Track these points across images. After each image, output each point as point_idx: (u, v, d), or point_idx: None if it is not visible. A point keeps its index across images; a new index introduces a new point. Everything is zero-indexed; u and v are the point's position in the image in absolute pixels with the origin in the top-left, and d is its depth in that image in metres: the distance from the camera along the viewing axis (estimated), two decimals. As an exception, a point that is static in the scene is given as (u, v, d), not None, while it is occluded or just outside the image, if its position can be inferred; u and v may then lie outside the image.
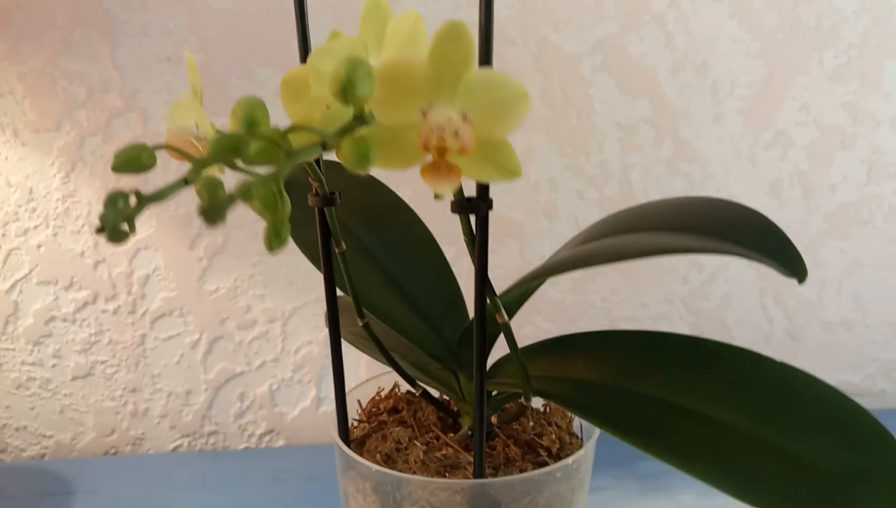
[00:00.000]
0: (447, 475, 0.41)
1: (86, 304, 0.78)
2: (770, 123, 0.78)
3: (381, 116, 0.27)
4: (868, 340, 0.86)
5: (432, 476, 0.41)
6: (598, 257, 0.32)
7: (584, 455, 0.42)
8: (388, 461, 0.43)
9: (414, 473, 0.41)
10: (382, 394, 0.51)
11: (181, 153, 0.31)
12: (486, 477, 0.39)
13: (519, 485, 0.39)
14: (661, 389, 0.37)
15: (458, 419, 0.47)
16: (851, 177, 0.80)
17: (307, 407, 0.83)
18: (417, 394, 0.47)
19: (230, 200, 0.23)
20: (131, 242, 0.77)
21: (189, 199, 0.76)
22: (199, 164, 0.25)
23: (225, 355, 0.81)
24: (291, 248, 0.46)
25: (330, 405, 0.84)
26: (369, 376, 0.51)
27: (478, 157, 0.28)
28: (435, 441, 0.44)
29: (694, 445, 0.34)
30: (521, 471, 0.41)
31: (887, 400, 0.87)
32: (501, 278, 0.86)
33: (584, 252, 0.34)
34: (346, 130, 0.26)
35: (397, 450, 0.44)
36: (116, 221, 0.24)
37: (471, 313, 0.42)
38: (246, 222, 0.78)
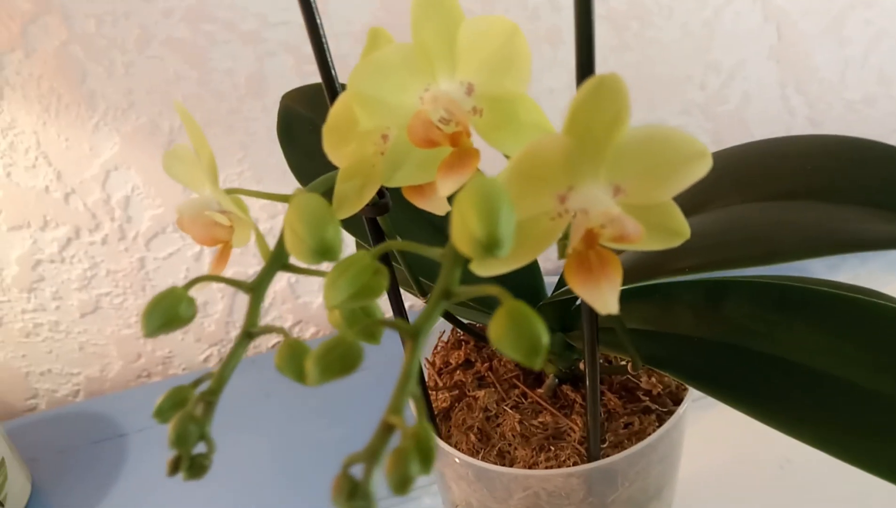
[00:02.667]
0: (553, 448, 0.38)
1: (69, 240, 0.70)
2: None
3: (506, 215, 0.19)
4: (891, 112, 0.82)
5: (534, 451, 0.38)
6: (754, 252, 0.26)
7: (690, 395, 0.39)
8: (482, 437, 0.40)
9: (515, 448, 0.39)
10: (444, 339, 0.47)
11: (208, 236, 0.23)
12: (600, 453, 0.36)
13: (635, 454, 0.36)
14: (789, 349, 0.33)
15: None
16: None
17: (331, 292, 0.80)
18: (491, 347, 0.43)
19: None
20: (97, 164, 0.67)
21: (150, 104, 0.65)
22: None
23: (233, 259, 0.75)
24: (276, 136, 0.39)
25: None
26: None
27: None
28: (523, 400, 0.41)
29: (840, 419, 0.30)
30: (627, 426, 0.39)
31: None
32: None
33: (726, 245, 0.27)
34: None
35: (487, 419, 0.41)
36: (191, 448, 0.18)
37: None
38: (219, 116, 0.68)
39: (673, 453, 0.40)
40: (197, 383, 0.20)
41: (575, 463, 0.37)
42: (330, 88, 0.27)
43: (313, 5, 0.26)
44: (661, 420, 0.39)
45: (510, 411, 0.40)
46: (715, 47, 0.74)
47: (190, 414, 0.18)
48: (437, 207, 0.25)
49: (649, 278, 0.29)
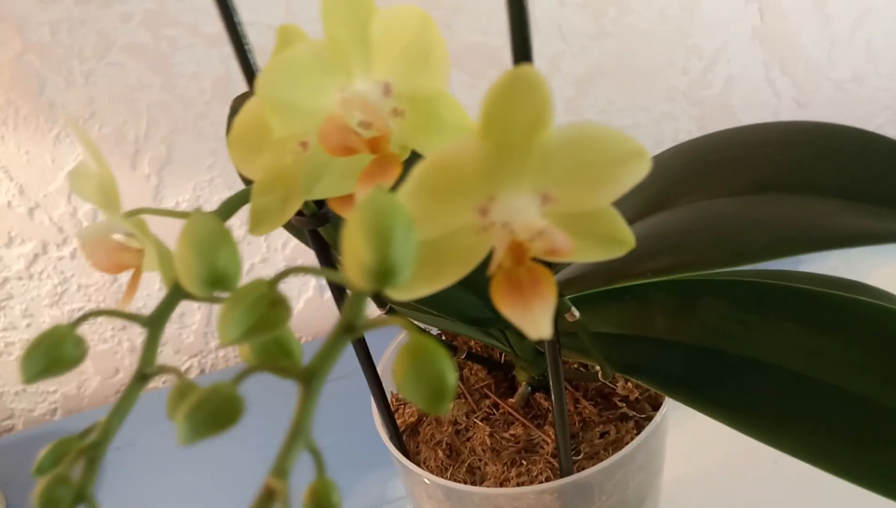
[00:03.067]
0: (524, 463, 0.36)
1: (36, 256, 0.68)
2: None
3: (420, 233, 0.17)
4: (880, 89, 0.79)
5: (506, 466, 0.36)
6: (720, 254, 0.24)
7: (668, 400, 0.37)
8: (452, 453, 0.38)
9: (485, 464, 0.37)
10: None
11: (114, 263, 0.21)
12: (573, 468, 0.34)
13: (612, 466, 0.34)
14: (768, 351, 0.31)
15: (511, 371, 0.41)
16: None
17: (311, 297, 0.78)
18: (460, 358, 0.41)
19: None
20: (61, 177, 0.65)
21: (113, 113, 0.63)
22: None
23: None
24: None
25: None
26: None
27: (575, 238, 0.18)
28: (495, 411, 0.39)
29: (830, 428, 0.28)
30: (603, 435, 0.37)
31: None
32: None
33: (690, 246, 0.25)
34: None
35: (457, 432, 0.39)
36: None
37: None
38: (187, 123, 0.66)
39: (653, 461, 0.38)
40: (87, 432, 0.18)
41: (548, 478, 0.35)
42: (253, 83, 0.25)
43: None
44: (639, 427, 0.37)
45: (480, 423, 0.38)
46: (696, 31, 0.71)
47: (61, 476, 0.16)
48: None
49: (608, 284, 0.27)
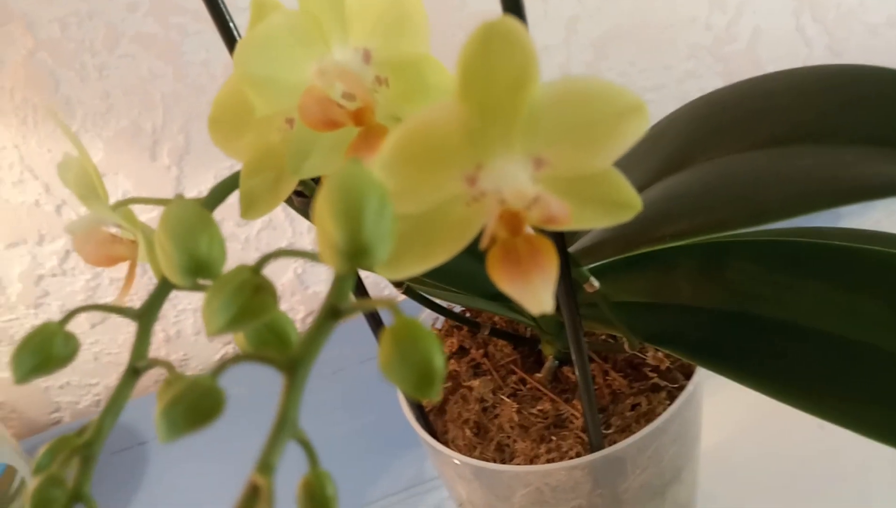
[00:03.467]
0: (554, 438, 0.35)
1: (68, 253, 0.69)
2: None
3: (403, 207, 0.16)
4: (922, 29, 0.75)
5: (535, 443, 0.35)
6: (740, 213, 0.23)
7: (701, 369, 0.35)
8: (479, 431, 0.37)
9: (514, 441, 0.36)
10: (438, 327, 0.44)
11: (105, 255, 0.21)
12: (603, 442, 0.33)
13: (644, 438, 0.33)
14: (801, 313, 0.29)
15: (538, 346, 0.40)
16: None
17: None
18: (484, 334, 0.40)
19: None
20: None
21: (129, 105, 0.63)
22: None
23: (235, 255, 0.73)
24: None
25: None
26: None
27: (570, 201, 0.17)
28: (522, 387, 0.38)
29: (869, 391, 0.27)
30: (634, 407, 0.36)
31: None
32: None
33: (710, 207, 0.24)
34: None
35: (484, 410, 0.38)
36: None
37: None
38: (200, 110, 0.65)
39: (688, 431, 0.36)
40: (84, 430, 0.18)
41: (578, 454, 0.34)
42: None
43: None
44: (672, 397, 0.36)
45: (507, 400, 0.37)
46: (719, -20, 0.68)
47: (54, 477, 0.15)
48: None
49: (627, 251, 0.26)
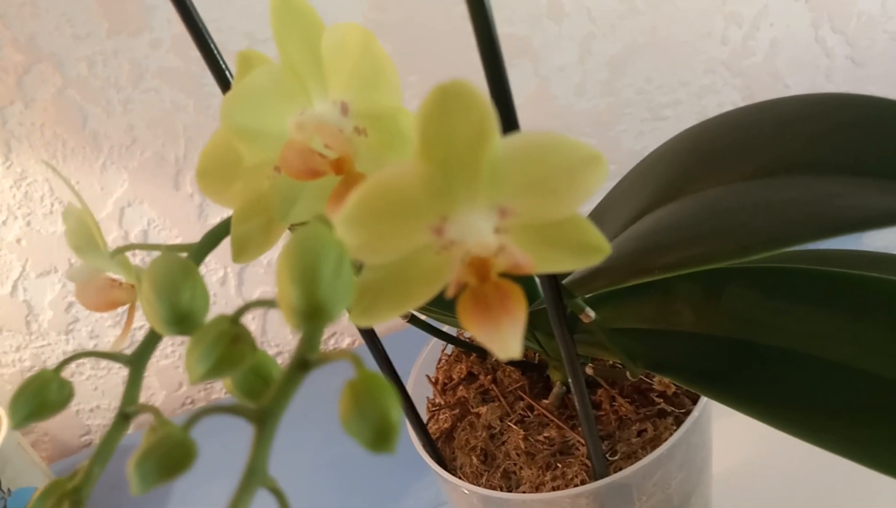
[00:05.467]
0: (559, 466, 0.35)
1: (96, 280, 0.71)
2: None
3: (372, 258, 0.16)
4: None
5: (541, 470, 0.35)
6: (726, 246, 0.23)
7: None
8: (487, 458, 0.37)
9: (520, 468, 0.36)
10: (448, 352, 0.44)
11: (104, 301, 0.22)
12: (607, 469, 0.33)
13: (649, 465, 0.33)
14: (799, 340, 0.29)
15: (546, 371, 0.40)
16: None
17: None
18: (493, 360, 0.40)
19: None
20: (110, 203, 0.67)
21: (153, 137, 0.65)
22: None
23: (258, 279, 0.75)
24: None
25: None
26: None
27: (539, 246, 0.18)
28: (530, 413, 0.38)
29: (871, 420, 0.26)
30: (640, 433, 0.35)
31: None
32: (519, 108, 0.75)
33: (697, 239, 0.24)
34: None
35: (492, 437, 0.38)
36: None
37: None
38: (223, 140, 0.67)
39: (695, 457, 0.36)
40: (75, 474, 0.18)
41: (583, 481, 0.34)
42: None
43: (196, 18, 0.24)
44: (679, 423, 0.35)
45: (515, 426, 0.38)
46: (733, -4, 0.68)
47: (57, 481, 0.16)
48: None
49: (618, 283, 0.26)
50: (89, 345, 0.74)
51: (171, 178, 0.68)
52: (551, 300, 0.27)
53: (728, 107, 0.74)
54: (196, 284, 0.17)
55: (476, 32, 0.19)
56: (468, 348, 0.40)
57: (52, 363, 0.74)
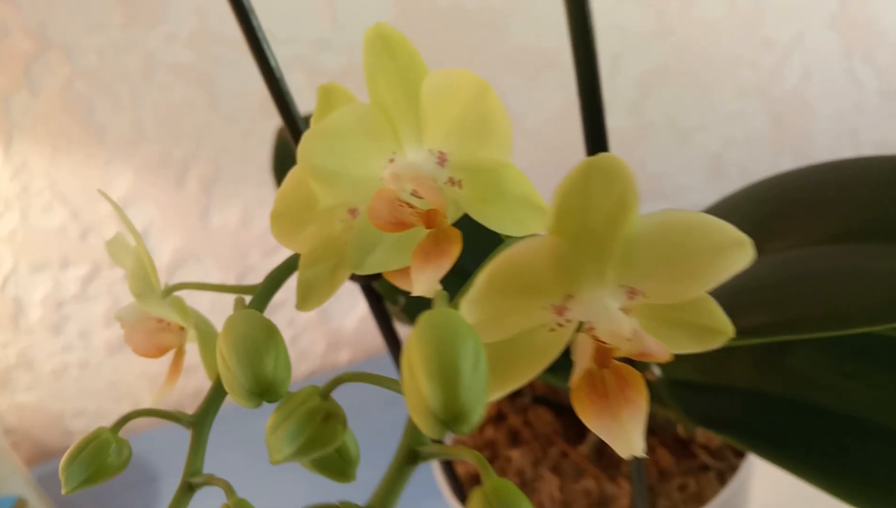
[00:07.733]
0: (596, 518, 0.34)
1: (90, 278, 0.68)
2: None
3: (487, 336, 0.15)
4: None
5: (577, 521, 0.34)
6: (815, 314, 0.21)
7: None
8: None
9: (553, 517, 0.34)
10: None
11: (154, 345, 0.20)
12: (650, 527, 0.31)
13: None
14: (866, 407, 0.27)
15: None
16: None
17: (365, 315, 0.76)
18: (525, 401, 0.38)
19: None
20: (113, 199, 0.65)
21: (159, 132, 0.63)
22: None
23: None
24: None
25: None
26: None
27: (659, 326, 0.16)
28: (564, 459, 0.37)
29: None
30: (682, 489, 0.34)
31: None
32: (546, 123, 0.73)
33: (783, 303, 0.22)
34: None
35: (523, 483, 0.36)
36: None
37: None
38: (233, 140, 0.65)
39: (736, 516, 0.35)
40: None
41: (621, 537, 0.33)
42: (292, 127, 0.23)
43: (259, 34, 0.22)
44: (721, 478, 0.34)
45: (549, 473, 0.36)
46: (767, 22, 0.67)
47: None
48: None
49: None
50: (79, 345, 0.71)
51: (175, 177, 0.65)
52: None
53: (756, 134, 0.73)
54: (279, 349, 0.15)
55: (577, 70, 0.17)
56: (539, 401, 0.38)
57: (38, 361, 0.71)
